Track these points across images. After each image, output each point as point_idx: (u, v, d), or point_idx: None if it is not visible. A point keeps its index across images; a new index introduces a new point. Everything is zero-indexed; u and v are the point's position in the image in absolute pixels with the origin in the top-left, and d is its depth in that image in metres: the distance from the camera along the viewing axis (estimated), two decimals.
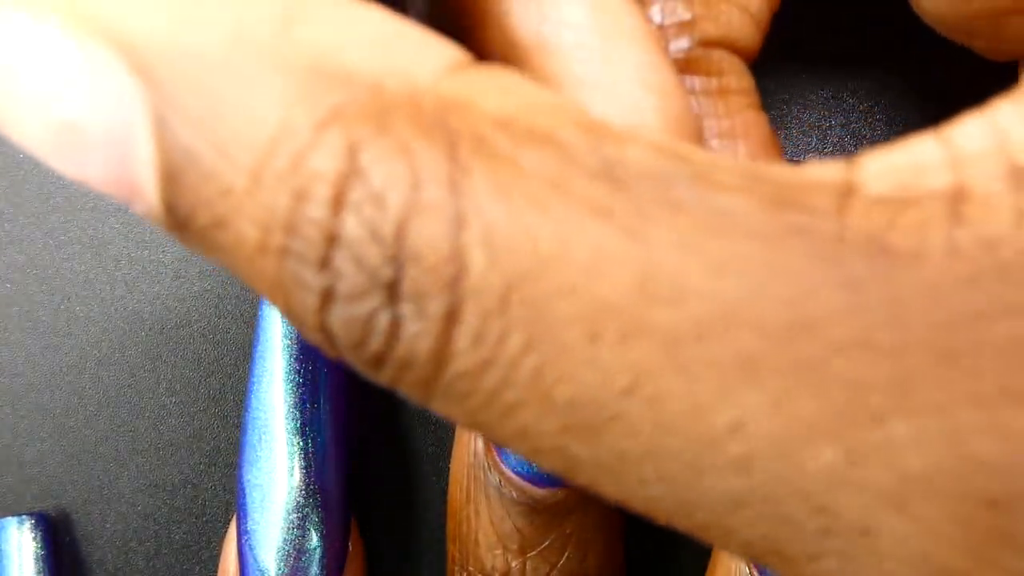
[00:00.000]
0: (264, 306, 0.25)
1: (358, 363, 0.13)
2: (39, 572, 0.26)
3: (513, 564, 0.24)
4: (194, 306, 0.27)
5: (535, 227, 0.12)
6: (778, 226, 0.12)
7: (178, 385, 0.27)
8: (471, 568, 0.24)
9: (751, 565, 0.24)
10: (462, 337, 0.12)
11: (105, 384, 0.27)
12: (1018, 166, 0.12)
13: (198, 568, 0.27)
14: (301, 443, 0.24)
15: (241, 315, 0.27)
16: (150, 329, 0.27)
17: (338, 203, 0.12)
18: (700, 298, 0.12)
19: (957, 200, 0.12)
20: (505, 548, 0.24)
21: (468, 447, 0.24)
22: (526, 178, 0.12)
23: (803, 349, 0.11)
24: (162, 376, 0.27)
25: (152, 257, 0.27)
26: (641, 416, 0.12)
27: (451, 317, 0.12)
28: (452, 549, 0.25)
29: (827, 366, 0.11)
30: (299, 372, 0.24)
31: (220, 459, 0.27)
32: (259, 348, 0.25)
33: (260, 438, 0.24)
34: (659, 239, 0.12)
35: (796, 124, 0.27)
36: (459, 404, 0.13)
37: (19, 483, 0.27)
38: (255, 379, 0.24)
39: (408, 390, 0.13)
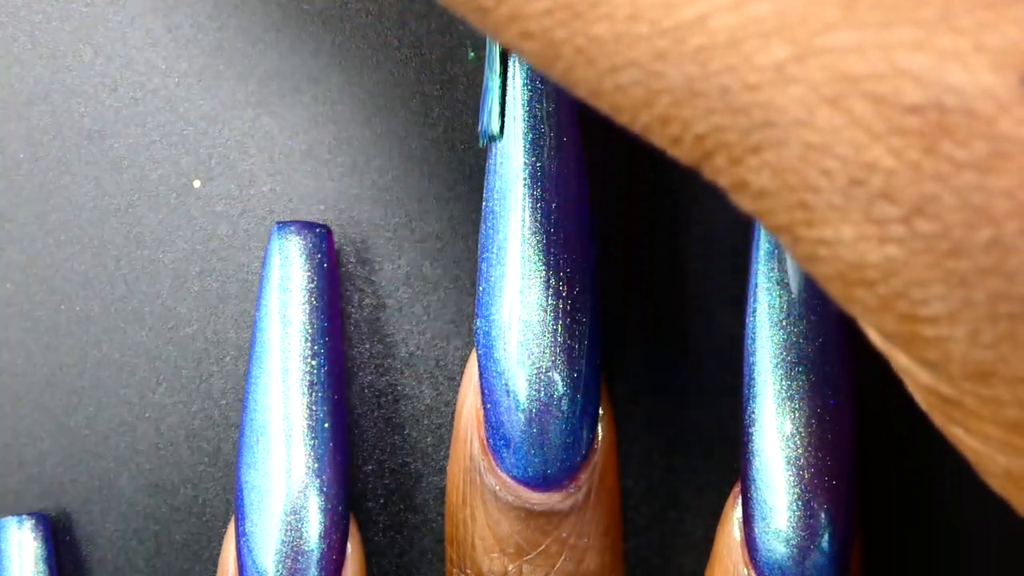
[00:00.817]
0: (262, 307, 0.25)
1: None
2: (39, 572, 0.26)
3: (510, 568, 0.24)
4: (194, 306, 0.27)
5: None
6: None
7: (178, 385, 0.27)
8: (468, 571, 0.24)
9: (749, 566, 0.24)
10: None
11: (105, 384, 0.27)
12: None
13: (198, 568, 0.27)
14: (299, 444, 0.24)
15: (241, 315, 0.27)
16: (150, 329, 0.27)
17: None
18: None
19: None
20: (502, 552, 0.24)
21: (464, 450, 0.24)
22: None
23: None
24: (162, 376, 0.27)
25: (152, 257, 0.27)
26: (619, 4, 0.14)
27: None
28: (450, 551, 0.25)
29: None
30: (296, 373, 0.24)
31: (220, 459, 0.27)
32: (256, 349, 0.25)
33: (257, 439, 0.24)
34: None
35: None
36: None
37: (19, 483, 0.27)
38: (252, 380, 0.24)
39: None
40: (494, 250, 0.24)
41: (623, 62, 0.14)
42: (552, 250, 0.24)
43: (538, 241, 0.24)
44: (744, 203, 0.15)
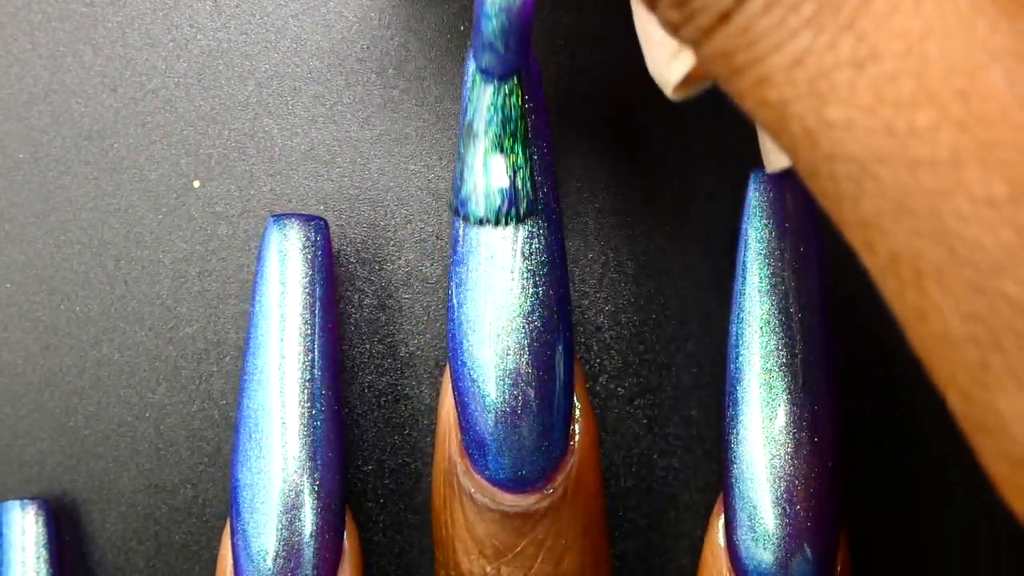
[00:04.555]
0: (257, 302, 0.24)
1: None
2: (41, 556, 0.26)
3: (488, 569, 0.24)
4: (194, 306, 0.27)
5: None
6: None
7: (178, 385, 0.27)
8: (452, 572, 0.24)
9: (732, 573, 0.24)
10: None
11: (105, 384, 0.27)
12: None
13: (198, 568, 0.27)
14: (293, 442, 0.24)
15: (241, 315, 0.27)
16: (150, 329, 0.27)
17: None
18: None
19: None
20: (480, 553, 0.24)
21: (444, 452, 0.24)
22: None
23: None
24: (162, 376, 0.27)
25: (152, 257, 0.27)
26: (861, 90, 0.13)
27: None
28: (437, 552, 0.25)
29: None
30: (292, 370, 0.24)
31: (220, 459, 0.27)
32: (251, 345, 0.24)
33: (250, 437, 0.24)
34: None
35: None
36: (725, 60, 0.14)
37: (19, 484, 0.27)
38: (246, 376, 0.24)
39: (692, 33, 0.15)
40: (463, 248, 0.24)
41: (844, 154, 0.14)
42: (522, 248, 0.23)
43: (508, 241, 0.23)
44: (917, 333, 0.14)
